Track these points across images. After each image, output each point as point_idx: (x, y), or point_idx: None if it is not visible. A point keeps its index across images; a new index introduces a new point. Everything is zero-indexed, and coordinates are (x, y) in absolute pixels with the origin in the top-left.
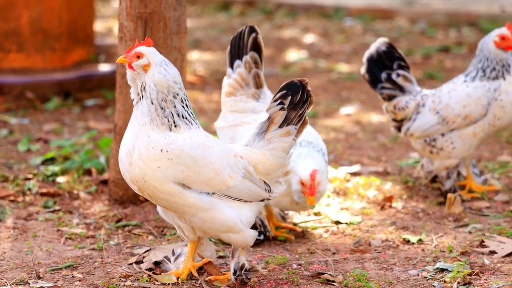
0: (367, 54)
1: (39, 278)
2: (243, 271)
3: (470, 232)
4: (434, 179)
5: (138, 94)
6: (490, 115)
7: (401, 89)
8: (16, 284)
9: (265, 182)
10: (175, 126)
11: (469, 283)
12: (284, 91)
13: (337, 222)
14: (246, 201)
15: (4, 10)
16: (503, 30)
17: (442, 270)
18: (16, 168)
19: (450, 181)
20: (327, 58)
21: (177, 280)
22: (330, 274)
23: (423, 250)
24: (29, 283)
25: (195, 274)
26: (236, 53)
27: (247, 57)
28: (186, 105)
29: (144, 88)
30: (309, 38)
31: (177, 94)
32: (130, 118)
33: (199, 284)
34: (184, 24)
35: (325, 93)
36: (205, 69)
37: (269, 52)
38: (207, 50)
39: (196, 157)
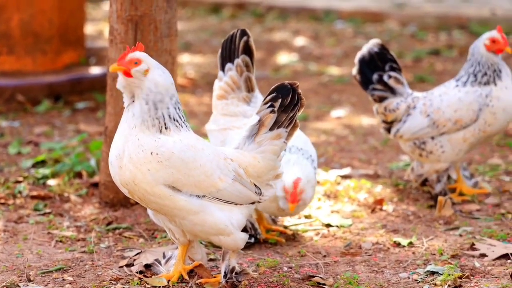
0: (359, 55)
1: (29, 281)
2: (233, 274)
3: (460, 235)
4: (424, 182)
5: (131, 98)
6: (481, 121)
7: (392, 91)
8: (7, 287)
9: (255, 185)
10: (166, 128)
11: (460, 286)
12: (274, 94)
13: (328, 225)
14: (236, 204)
15: None
16: (494, 33)
17: (433, 273)
18: (7, 171)
19: (440, 185)
20: (317, 61)
21: (168, 283)
22: (320, 277)
23: (413, 253)
24: (20, 286)
25: (186, 277)
26: (227, 56)
27: (238, 61)
28: (178, 108)
29: (141, 90)
30: (300, 41)
31: (173, 96)
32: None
33: (189, 287)
34: (175, 27)
35: (315, 96)
36: (195, 72)
37: (259, 55)
38: (197, 53)
39: (186, 159)
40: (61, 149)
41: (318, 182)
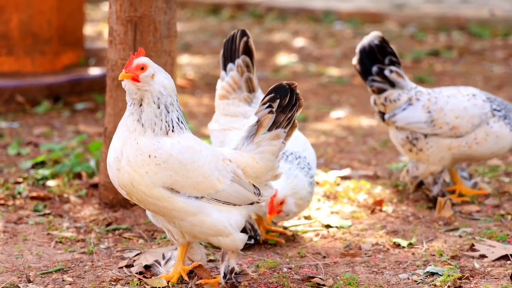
0: (359, 45)
1: (29, 281)
2: (233, 274)
3: (460, 236)
4: (420, 185)
5: (139, 102)
6: (472, 135)
7: (392, 84)
8: None
9: (254, 186)
10: (172, 131)
11: (460, 287)
12: (272, 94)
13: (328, 226)
14: (235, 205)
15: None
16: None
17: (433, 274)
18: (6, 172)
19: (437, 186)
20: (317, 62)
21: (168, 283)
22: (320, 278)
23: (413, 254)
24: (19, 287)
25: (186, 278)
26: (229, 56)
27: (239, 61)
28: (180, 109)
29: (151, 94)
30: (299, 42)
31: (177, 97)
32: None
33: None
34: (174, 28)
35: (315, 96)
36: (195, 73)
37: (259, 56)
38: (197, 54)
39: (184, 161)
40: (60, 150)
41: (317, 183)
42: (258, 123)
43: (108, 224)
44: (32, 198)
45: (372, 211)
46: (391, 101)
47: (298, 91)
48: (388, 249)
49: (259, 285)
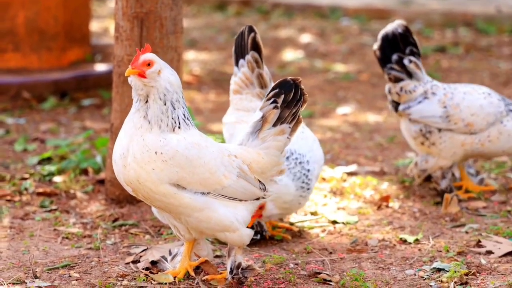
0: (382, 32)
1: (36, 277)
2: (239, 270)
3: (467, 232)
4: (428, 178)
5: (145, 99)
6: (485, 133)
7: (409, 74)
8: (13, 284)
9: (260, 181)
10: (179, 127)
11: (466, 283)
12: (277, 90)
13: (334, 222)
14: (241, 200)
15: (0, 10)
16: None
17: (439, 270)
18: (13, 168)
19: (445, 181)
20: (323, 58)
21: (174, 279)
22: (327, 274)
23: (420, 250)
24: (26, 283)
25: (192, 274)
26: (240, 52)
27: (248, 57)
28: (185, 105)
29: (157, 90)
30: (306, 38)
31: (182, 94)
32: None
33: (196, 284)
34: (181, 24)
35: (321, 93)
36: (201, 69)
37: (265, 52)
38: (203, 50)
39: (191, 157)
40: (67, 146)
41: (324, 179)
42: (263, 119)
43: (115, 220)
44: (39, 194)
45: (379, 207)
46: (407, 92)
47: (302, 86)
48: (394, 245)
49: (266, 281)
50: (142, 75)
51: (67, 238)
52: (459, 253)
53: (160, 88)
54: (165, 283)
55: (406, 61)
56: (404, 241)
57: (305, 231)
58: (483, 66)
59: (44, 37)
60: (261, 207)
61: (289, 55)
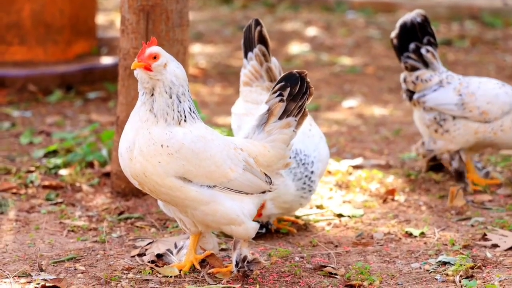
0: (401, 20)
1: (41, 270)
2: (245, 263)
3: (472, 226)
4: (433, 159)
5: (151, 92)
6: (498, 122)
7: (425, 64)
8: (19, 277)
9: (266, 174)
10: (185, 120)
11: (472, 276)
12: (283, 83)
13: (340, 215)
14: (247, 194)
15: (6, 3)
16: None
17: (445, 263)
18: (19, 161)
19: (455, 161)
20: (329, 51)
21: (180, 272)
22: (332, 267)
23: (425, 243)
24: (32, 275)
25: (198, 267)
26: (248, 45)
27: (256, 50)
28: (191, 98)
29: (163, 83)
30: (312, 31)
31: (188, 87)
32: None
33: (201, 277)
34: (186, 17)
35: (327, 86)
36: (207, 62)
37: (271, 45)
38: (209, 43)
39: (197, 150)
40: (72, 139)
41: (329, 172)
42: (269, 112)
43: (120, 213)
44: (44, 187)
45: (384, 201)
46: (422, 81)
47: (308, 79)
48: (400, 238)
49: (271, 274)
50: (148, 68)
51: (72, 231)
52: (465, 247)
53: (166, 81)
54: (171, 276)
55: (423, 51)
56: (409, 235)
57: (311, 224)
58: (489, 59)
59: (50, 30)
60: (262, 206)
61: (295, 48)
